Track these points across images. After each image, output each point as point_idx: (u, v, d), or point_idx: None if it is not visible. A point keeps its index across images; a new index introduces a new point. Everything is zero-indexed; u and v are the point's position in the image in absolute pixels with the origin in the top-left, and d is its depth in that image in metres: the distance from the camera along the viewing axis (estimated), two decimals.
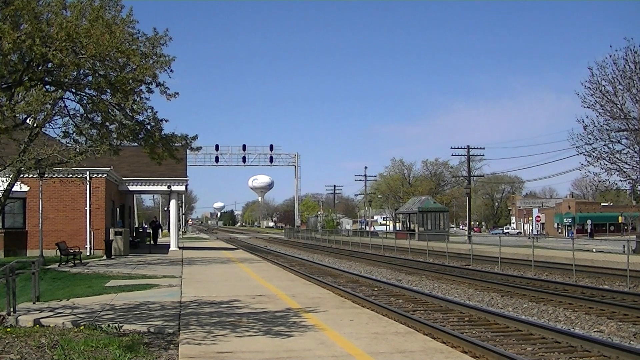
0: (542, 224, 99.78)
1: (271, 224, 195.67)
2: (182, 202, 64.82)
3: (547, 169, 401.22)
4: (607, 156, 34.54)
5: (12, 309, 11.46)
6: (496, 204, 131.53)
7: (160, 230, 43.19)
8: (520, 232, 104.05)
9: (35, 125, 12.92)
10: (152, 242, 40.58)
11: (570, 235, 74.92)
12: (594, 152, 34.84)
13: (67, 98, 12.41)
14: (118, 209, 37.59)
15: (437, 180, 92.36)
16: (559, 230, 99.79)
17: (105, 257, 28.58)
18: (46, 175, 20.75)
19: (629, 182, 37.48)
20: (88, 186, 29.63)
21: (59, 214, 29.76)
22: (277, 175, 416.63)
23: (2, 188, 13.64)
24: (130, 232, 36.94)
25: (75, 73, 11.17)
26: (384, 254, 38.44)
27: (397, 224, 73.98)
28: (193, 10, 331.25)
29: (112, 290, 15.51)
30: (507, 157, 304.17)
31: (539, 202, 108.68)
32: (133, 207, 55.84)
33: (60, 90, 11.63)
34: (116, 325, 10.33)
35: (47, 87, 11.36)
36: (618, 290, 18.33)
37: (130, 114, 11.87)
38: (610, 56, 34.21)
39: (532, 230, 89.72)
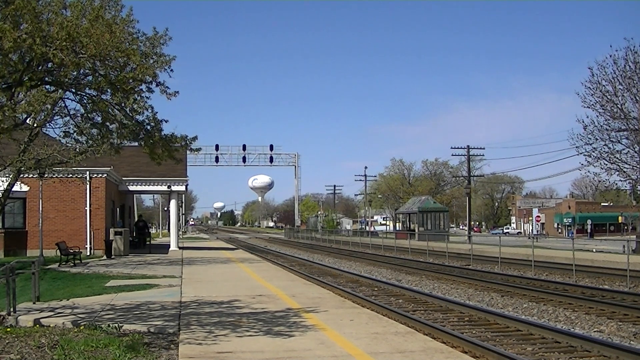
0: (542, 224, 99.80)
1: (271, 224, 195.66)
2: (182, 202, 64.81)
3: (547, 169, 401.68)
4: (607, 156, 34.57)
5: (12, 309, 11.45)
6: (496, 204, 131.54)
7: (147, 230, 41.46)
8: (520, 232, 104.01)
9: (35, 125, 12.93)
10: (143, 243, 37.84)
11: (570, 235, 74.92)
12: (594, 152, 34.90)
13: (67, 98, 12.43)
14: (118, 209, 37.58)
15: (437, 180, 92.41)
16: (559, 230, 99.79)
17: (105, 257, 28.58)
18: (46, 175, 20.74)
19: (629, 182, 37.49)
20: (88, 186, 29.64)
21: (59, 214, 29.78)
22: (277, 175, 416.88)
23: (2, 188, 13.65)
24: (130, 232, 36.90)
25: (75, 73, 11.15)
26: (384, 254, 38.43)
27: (397, 224, 73.95)
28: (193, 10, 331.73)
29: (112, 290, 15.51)
30: (507, 157, 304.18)
31: (539, 202, 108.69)
32: (133, 207, 55.81)
33: (60, 90, 11.63)
34: (116, 325, 10.33)
35: (48, 86, 11.35)
36: (618, 290, 18.32)
37: (130, 114, 11.86)
38: (611, 56, 34.29)
39: (532, 230, 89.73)
